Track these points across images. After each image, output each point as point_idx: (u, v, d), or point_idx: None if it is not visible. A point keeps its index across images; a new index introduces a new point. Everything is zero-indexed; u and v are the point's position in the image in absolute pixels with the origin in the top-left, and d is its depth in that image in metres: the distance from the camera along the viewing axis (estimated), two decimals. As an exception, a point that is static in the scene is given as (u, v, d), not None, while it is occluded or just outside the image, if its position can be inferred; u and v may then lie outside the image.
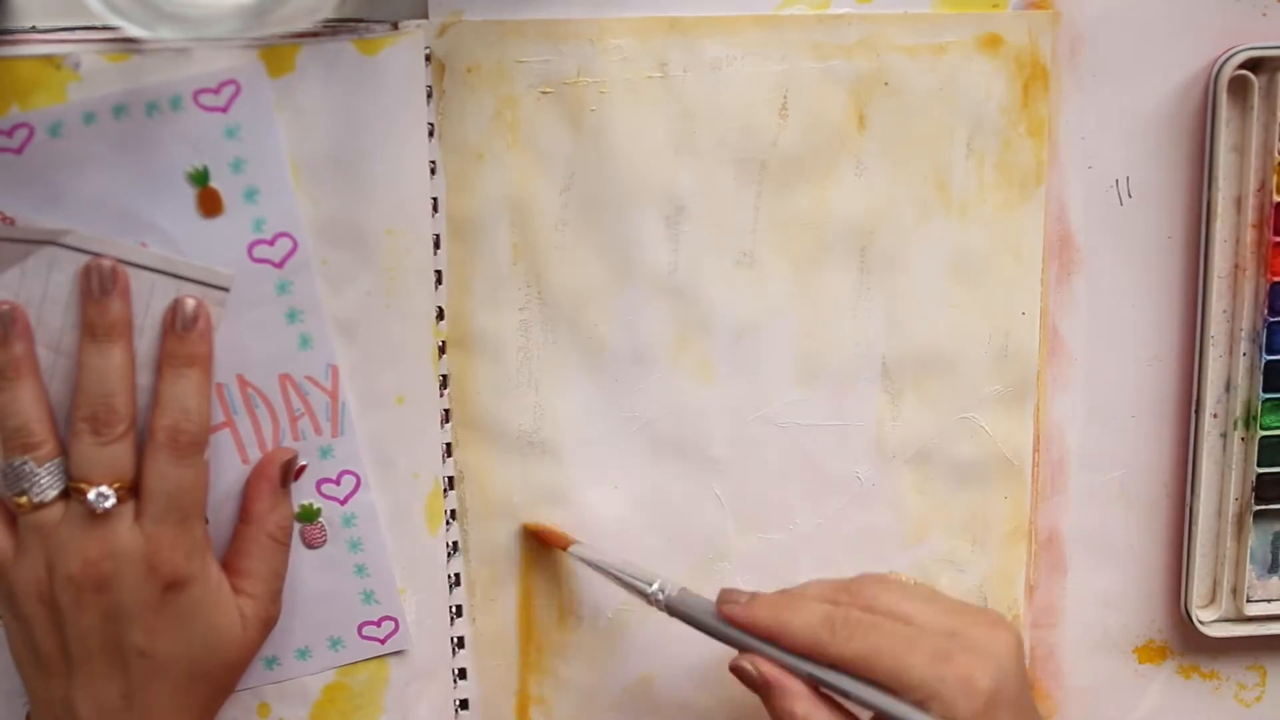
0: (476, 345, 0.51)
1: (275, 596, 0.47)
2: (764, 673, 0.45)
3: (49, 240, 0.43)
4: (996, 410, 0.53)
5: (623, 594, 0.52)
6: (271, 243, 0.45)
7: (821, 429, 0.53)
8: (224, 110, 0.43)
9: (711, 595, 0.48)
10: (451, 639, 0.53)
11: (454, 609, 0.53)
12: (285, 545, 0.47)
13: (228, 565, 0.46)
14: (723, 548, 0.53)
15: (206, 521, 0.45)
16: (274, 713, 0.50)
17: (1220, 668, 0.57)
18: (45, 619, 0.43)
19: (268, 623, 0.47)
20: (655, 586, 0.48)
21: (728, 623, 0.46)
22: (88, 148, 0.42)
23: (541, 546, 0.52)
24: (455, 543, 0.52)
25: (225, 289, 0.45)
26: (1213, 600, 0.56)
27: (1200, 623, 0.55)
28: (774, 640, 0.45)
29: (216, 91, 0.43)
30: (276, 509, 0.46)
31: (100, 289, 0.43)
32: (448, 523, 0.52)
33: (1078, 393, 0.54)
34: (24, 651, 0.44)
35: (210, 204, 0.44)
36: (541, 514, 0.52)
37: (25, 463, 0.43)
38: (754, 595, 0.47)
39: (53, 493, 0.43)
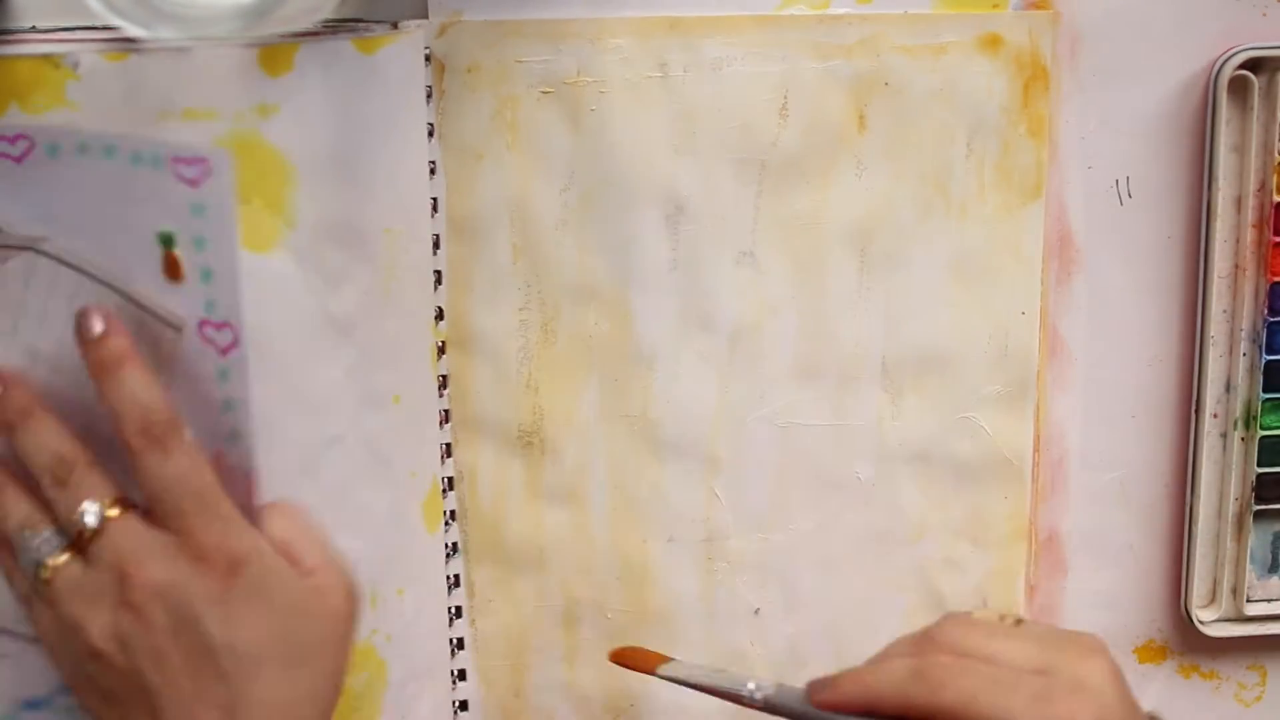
0: (476, 345, 0.51)
1: (323, 547, 0.43)
2: None
3: (27, 246, 0.43)
4: (996, 410, 0.53)
5: (623, 595, 0.52)
6: (218, 328, 0.43)
7: (821, 429, 0.53)
8: (194, 185, 0.42)
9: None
10: (451, 640, 0.53)
11: (453, 610, 0.53)
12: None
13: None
14: (723, 548, 0.53)
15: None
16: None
17: (1220, 667, 0.57)
18: (116, 653, 0.40)
19: (340, 578, 0.43)
20: (751, 687, 0.46)
21: (822, 709, 0.43)
22: (78, 177, 0.42)
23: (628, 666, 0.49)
24: (454, 543, 0.52)
25: (179, 329, 0.43)
26: (1213, 600, 0.56)
27: (1200, 623, 0.55)
28: (868, 711, 0.42)
29: (190, 163, 0.41)
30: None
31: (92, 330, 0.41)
32: (446, 523, 0.52)
33: (1078, 393, 0.54)
34: (101, 708, 0.41)
35: (173, 269, 0.42)
36: (543, 515, 0.52)
37: (29, 536, 0.41)
38: (839, 674, 0.43)
39: (62, 552, 0.41)
